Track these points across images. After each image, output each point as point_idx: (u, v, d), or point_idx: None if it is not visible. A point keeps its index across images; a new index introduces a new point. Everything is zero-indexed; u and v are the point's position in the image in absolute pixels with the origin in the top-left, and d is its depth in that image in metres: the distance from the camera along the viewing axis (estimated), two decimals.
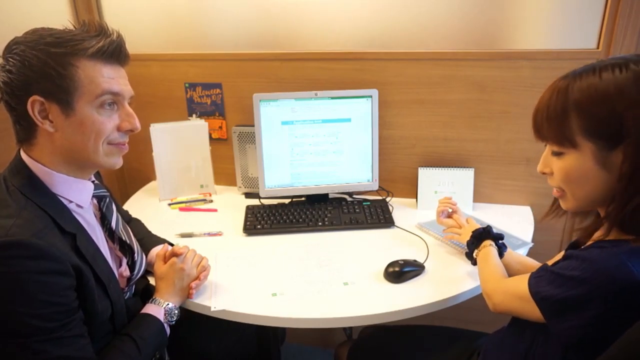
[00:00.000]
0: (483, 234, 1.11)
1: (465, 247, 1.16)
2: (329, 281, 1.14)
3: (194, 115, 1.69)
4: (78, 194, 0.90)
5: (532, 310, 0.80)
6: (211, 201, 1.63)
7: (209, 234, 1.39)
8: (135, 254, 1.03)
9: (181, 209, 1.58)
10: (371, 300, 1.08)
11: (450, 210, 1.31)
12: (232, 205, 1.58)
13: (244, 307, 1.06)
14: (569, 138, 0.75)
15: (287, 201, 1.56)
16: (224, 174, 1.73)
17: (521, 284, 0.85)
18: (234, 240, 1.37)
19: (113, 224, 0.99)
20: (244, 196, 1.65)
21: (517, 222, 1.43)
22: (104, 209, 0.98)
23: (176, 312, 1.03)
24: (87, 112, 0.83)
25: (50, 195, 0.85)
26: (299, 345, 1.98)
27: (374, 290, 1.11)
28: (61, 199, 0.87)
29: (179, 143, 1.59)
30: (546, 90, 0.80)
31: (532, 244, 1.32)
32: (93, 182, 0.95)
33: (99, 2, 1.65)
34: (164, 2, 1.60)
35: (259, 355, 1.38)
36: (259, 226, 1.40)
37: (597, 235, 0.80)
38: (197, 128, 1.61)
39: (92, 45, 0.82)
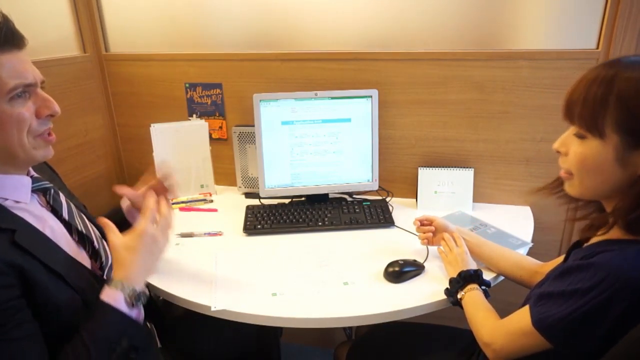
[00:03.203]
0: (473, 277, 1.04)
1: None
2: (329, 281, 1.15)
3: (194, 115, 1.69)
4: (13, 191, 0.84)
5: (540, 343, 0.77)
6: (211, 201, 1.63)
7: (209, 234, 1.39)
8: (95, 242, 0.96)
9: (181, 209, 1.58)
10: (371, 300, 1.07)
11: (431, 235, 1.23)
12: (232, 205, 1.58)
13: (244, 307, 1.05)
14: (598, 126, 0.73)
15: (287, 201, 1.56)
16: (224, 174, 1.73)
17: (523, 318, 0.81)
18: (234, 240, 1.37)
19: (65, 215, 0.93)
20: (244, 196, 1.66)
21: (517, 222, 1.43)
22: (51, 202, 0.92)
23: (144, 294, 0.87)
24: (0, 108, 0.78)
25: None
26: (298, 345, 1.98)
27: (374, 290, 1.11)
28: None
29: (179, 143, 1.59)
30: (589, 71, 0.76)
31: (532, 244, 1.32)
32: (32, 176, 0.90)
33: (99, 2, 1.65)
34: (164, 2, 1.60)
35: (258, 352, 1.38)
36: (259, 226, 1.40)
37: (602, 232, 0.79)
38: (197, 128, 1.61)
39: None
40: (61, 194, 0.97)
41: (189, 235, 1.38)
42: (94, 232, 1.00)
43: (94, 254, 0.96)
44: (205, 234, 1.39)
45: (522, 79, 1.40)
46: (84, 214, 1.03)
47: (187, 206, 1.59)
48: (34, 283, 0.77)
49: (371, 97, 1.45)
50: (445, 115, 1.50)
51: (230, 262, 1.24)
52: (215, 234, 1.40)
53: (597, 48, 1.33)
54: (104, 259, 0.98)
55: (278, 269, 1.21)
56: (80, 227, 0.95)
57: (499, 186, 1.54)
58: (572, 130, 0.80)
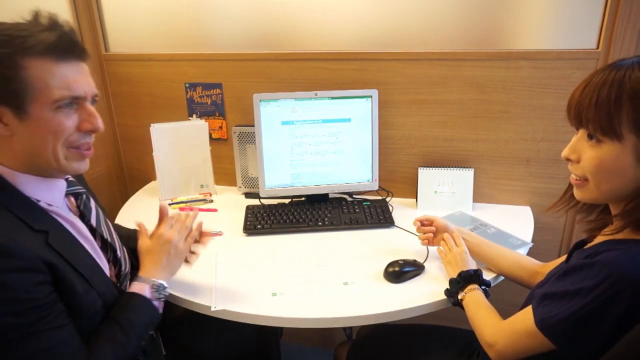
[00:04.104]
0: (473, 277, 1.04)
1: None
2: (329, 281, 1.15)
3: (194, 115, 1.69)
4: (47, 193, 0.86)
5: (543, 344, 0.77)
6: (211, 201, 1.63)
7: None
8: (118, 251, 1.00)
9: (181, 209, 1.58)
10: (371, 300, 1.08)
11: (432, 235, 1.22)
12: (232, 205, 1.58)
13: (244, 307, 1.06)
14: (614, 128, 0.71)
15: (287, 201, 1.56)
16: (224, 174, 1.73)
17: (526, 318, 0.80)
18: (234, 240, 1.37)
19: (93, 221, 0.96)
20: (244, 196, 1.66)
21: (517, 222, 1.43)
22: (81, 207, 0.95)
23: (165, 287, 0.98)
24: (43, 114, 0.79)
25: (16, 194, 0.82)
26: (298, 345, 1.98)
27: (374, 290, 1.11)
28: (30, 198, 0.84)
29: (179, 143, 1.59)
30: (593, 75, 0.75)
31: (532, 244, 1.32)
32: (67, 179, 0.92)
33: (99, 2, 1.65)
34: (164, 2, 1.60)
35: (258, 353, 1.38)
36: (259, 226, 1.40)
37: (607, 231, 0.79)
38: (197, 128, 1.61)
39: (41, 41, 0.76)
40: (92, 200, 0.99)
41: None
42: (117, 240, 1.03)
43: (115, 261, 0.99)
44: None
45: (522, 79, 1.40)
46: (109, 220, 1.06)
47: (187, 206, 1.59)
48: (65, 283, 0.81)
49: (371, 97, 1.45)
50: (445, 115, 1.49)
51: (230, 262, 1.24)
52: (215, 234, 1.39)
53: (597, 48, 1.33)
54: (123, 267, 1.01)
55: (278, 269, 1.21)
56: (106, 234, 0.98)
57: (499, 186, 1.54)
58: (581, 135, 0.78)
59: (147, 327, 0.94)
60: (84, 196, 0.96)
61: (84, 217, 0.95)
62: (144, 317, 0.93)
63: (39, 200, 0.85)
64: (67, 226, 0.88)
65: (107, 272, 0.95)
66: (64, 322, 0.80)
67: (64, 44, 0.79)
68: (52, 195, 0.87)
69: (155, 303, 0.96)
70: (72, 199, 0.94)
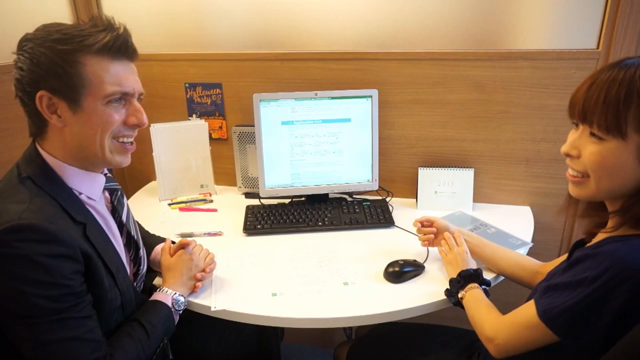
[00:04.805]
0: (473, 277, 1.04)
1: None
2: (329, 281, 1.15)
3: (194, 115, 1.69)
4: (89, 187, 0.92)
5: (544, 336, 0.77)
6: (211, 201, 1.63)
7: (209, 234, 1.39)
8: (140, 250, 1.05)
9: (181, 209, 1.58)
10: (371, 300, 1.08)
11: (432, 236, 1.22)
12: (232, 205, 1.58)
13: (244, 307, 1.06)
14: (619, 127, 0.71)
15: (287, 201, 1.56)
16: (224, 174, 1.73)
17: (528, 311, 0.81)
18: (234, 240, 1.37)
19: (124, 218, 1.01)
20: (244, 196, 1.66)
21: (517, 222, 1.43)
22: (115, 202, 1.00)
23: (183, 300, 1.04)
24: (95, 107, 0.85)
25: (61, 185, 0.87)
26: (298, 345, 1.98)
27: (374, 290, 1.11)
28: (73, 189, 0.89)
29: (179, 143, 1.59)
30: (599, 73, 0.75)
31: (532, 244, 1.32)
32: (105, 174, 0.97)
33: (99, 2, 1.65)
34: (164, 2, 1.60)
35: (259, 354, 1.38)
36: (259, 226, 1.40)
37: (605, 230, 0.79)
38: (197, 128, 1.61)
39: (98, 40, 0.83)
40: (125, 197, 1.04)
41: (189, 235, 1.38)
42: (141, 240, 1.08)
43: (135, 260, 1.04)
44: (205, 234, 1.39)
45: (522, 79, 1.39)
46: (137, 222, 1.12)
47: (187, 206, 1.59)
48: (95, 275, 0.85)
49: (371, 97, 1.45)
50: (445, 115, 1.49)
51: (230, 262, 1.24)
52: (215, 234, 1.40)
53: (597, 48, 1.33)
54: (141, 266, 1.06)
55: (278, 269, 1.21)
56: (133, 231, 1.03)
57: (499, 186, 1.54)
58: (581, 131, 0.77)
59: (165, 335, 0.98)
60: (119, 192, 1.01)
61: (115, 212, 0.99)
62: (165, 324, 0.98)
63: (80, 193, 0.90)
64: (100, 221, 0.92)
65: (128, 271, 0.99)
66: (91, 312, 0.84)
67: (119, 44, 0.86)
68: (92, 189, 0.93)
69: (174, 314, 1.01)
70: (107, 194, 0.99)
